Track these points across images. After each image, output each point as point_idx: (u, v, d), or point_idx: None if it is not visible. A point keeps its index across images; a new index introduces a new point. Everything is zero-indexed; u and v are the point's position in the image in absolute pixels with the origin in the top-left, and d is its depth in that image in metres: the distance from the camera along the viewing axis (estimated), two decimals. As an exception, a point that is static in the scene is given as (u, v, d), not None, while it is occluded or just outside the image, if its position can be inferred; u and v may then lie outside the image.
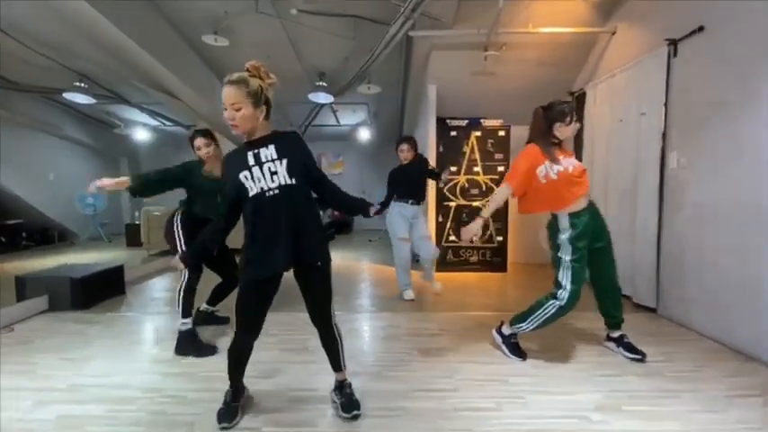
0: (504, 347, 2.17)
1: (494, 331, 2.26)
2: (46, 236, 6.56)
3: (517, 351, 2.14)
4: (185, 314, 2.23)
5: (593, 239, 2.00)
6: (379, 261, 5.22)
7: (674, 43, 2.73)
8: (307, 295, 1.56)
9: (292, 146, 1.47)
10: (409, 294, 3.28)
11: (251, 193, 1.40)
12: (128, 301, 3.36)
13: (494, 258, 4.39)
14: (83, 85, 5.45)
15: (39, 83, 5.52)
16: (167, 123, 7.57)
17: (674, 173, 2.77)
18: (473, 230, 1.99)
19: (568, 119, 1.98)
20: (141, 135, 7.86)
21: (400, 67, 4.73)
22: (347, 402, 1.58)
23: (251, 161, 1.42)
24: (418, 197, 3.30)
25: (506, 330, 2.18)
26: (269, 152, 1.43)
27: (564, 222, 1.97)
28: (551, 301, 1.98)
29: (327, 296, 1.57)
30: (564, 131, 2.00)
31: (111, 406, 1.67)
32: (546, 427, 1.52)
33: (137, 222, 6.56)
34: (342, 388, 1.64)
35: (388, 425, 1.54)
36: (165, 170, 2.26)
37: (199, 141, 2.36)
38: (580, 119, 4.00)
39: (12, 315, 2.77)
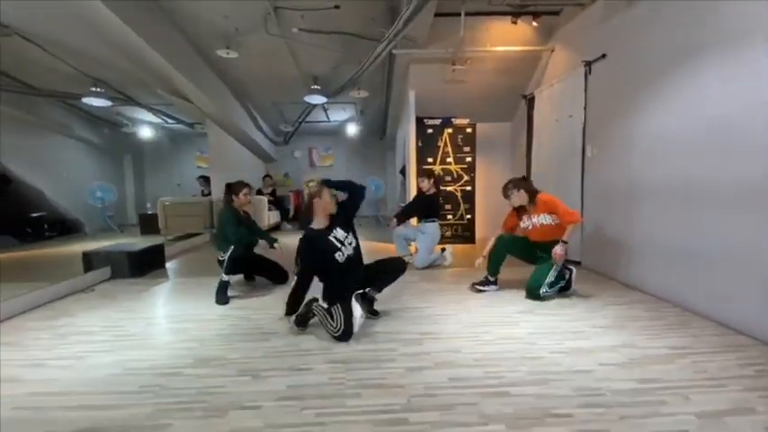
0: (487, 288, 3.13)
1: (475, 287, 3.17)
2: (63, 227, 7.18)
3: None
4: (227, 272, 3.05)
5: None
6: (371, 239, 6.11)
7: (588, 64, 3.68)
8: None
9: (344, 218, 2.42)
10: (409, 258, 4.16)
11: (341, 261, 2.35)
12: (169, 271, 4.15)
13: (464, 233, 5.34)
14: (99, 89, 6.09)
15: (57, 89, 6.13)
16: (170, 121, 8.21)
17: (589, 160, 3.75)
18: (562, 253, 2.83)
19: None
20: (145, 132, 8.45)
21: (384, 76, 5.58)
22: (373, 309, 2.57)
23: (335, 238, 2.34)
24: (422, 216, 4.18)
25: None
26: (340, 231, 2.37)
27: None
28: None
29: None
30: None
31: (199, 324, 2.53)
32: (483, 317, 2.46)
33: (149, 213, 7.26)
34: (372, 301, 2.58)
35: (391, 320, 2.44)
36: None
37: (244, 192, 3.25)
38: (530, 115, 4.96)
39: (85, 282, 3.54)
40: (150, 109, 7.28)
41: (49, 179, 6.90)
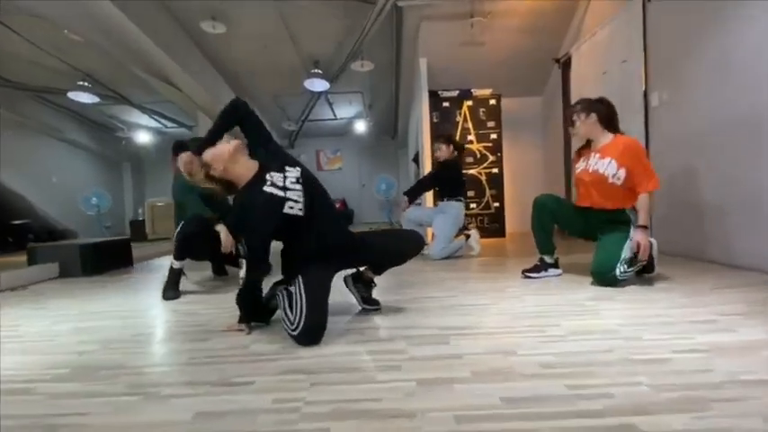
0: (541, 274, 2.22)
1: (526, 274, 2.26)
2: (52, 236, 6.65)
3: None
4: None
5: None
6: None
7: (647, -8, 2.88)
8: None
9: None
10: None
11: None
12: (136, 271, 3.44)
13: (492, 224, 4.47)
14: (86, 84, 5.64)
15: (43, 84, 5.72)
16: (169, 125, 7.76)
17: (654, 109, 2.89)
18: (646, 244, 1.90)
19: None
20: (143, 138, 8.02)
21: (392, 43, 4.90)
22: (370, 297, 1.73)
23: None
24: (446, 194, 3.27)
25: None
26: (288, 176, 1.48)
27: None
28: None
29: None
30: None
31: (124, 321, 1.76)
32: (545, 309, 1.60)
33: (140, 219, 6.69)
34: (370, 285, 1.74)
35: (394, 313, 1.61)
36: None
37: (184, 155, 2.22)
38: (566, 81, 4.15)
39: (22, 278, 2.84)
40: (143, 109, 6.83)
41: (36, 185, 6.45)
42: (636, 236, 1.92)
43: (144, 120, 7.56)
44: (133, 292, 2.50)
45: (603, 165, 2.01)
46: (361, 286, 1.71)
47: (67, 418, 0.92)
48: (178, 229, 2.25)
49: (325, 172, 9.33)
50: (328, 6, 4.24)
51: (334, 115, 7.91)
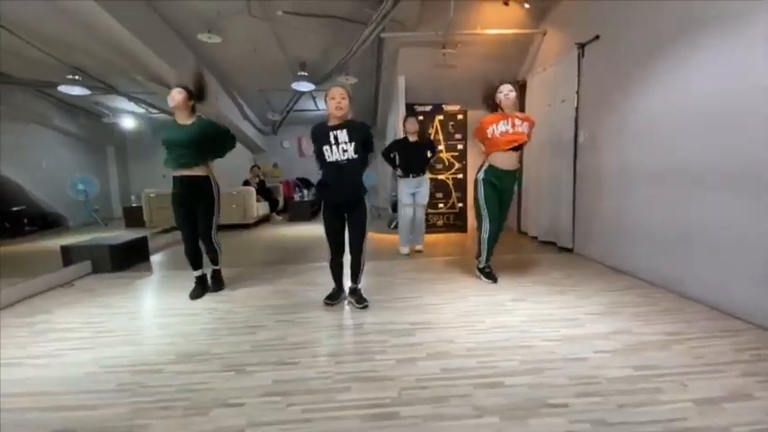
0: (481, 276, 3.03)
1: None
2: (45, 221, 6.95)
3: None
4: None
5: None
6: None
7: (582, 47, 3.60)
8: (349, 225, 2.44)
9: (359, 132, 2.31)
10: (405, 250, 4.03)
11: (328, 160, 2.32)
12: (153, 264, 4.03)
13: (456, 222, 5.29)
14: (77, 77, 5.83)
15: (31, 76, 5.86)
16: (153, 111, 7.95)
17: (581, 145, 3.69)
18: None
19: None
20: (128, 123, 8.20)
21: (373, 61, 5.43)
22: (359, 298, 2.51)
23: (331, 140, 2.29)
24: (418, 170, 3.88)
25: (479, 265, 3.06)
26: (343, 135, 2.28)
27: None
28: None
29: (362, 227, 2.42)
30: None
31: (183, 318, 2.44)
32: (476, 306, 2.41)
33: (134, 205, 7.07)
34: (355, 291, 2.54)
35: (381, 311, 2.37)
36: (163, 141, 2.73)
37: (173, 90, 2.65)
38: (522, 103, 4.88)
39: (64, 276, 3.40)
40: (131, 98, 7.03)
41: (29, 172, 6.66)
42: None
43: (130, 106, 7.73)
44: (174, 290, 3.11)
45: (524, 127, 2.82)
46: (352, 294, 2.51)
47: (197, 386, 1.63)
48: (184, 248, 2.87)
49: (306, 158, 9.82)
50: (317, 24, 4.70)
51: (317, 107, 8.34)
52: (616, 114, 3.21)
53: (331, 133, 2.29)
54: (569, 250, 3.91)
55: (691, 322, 2.13)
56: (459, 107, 5.14)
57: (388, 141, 7.44)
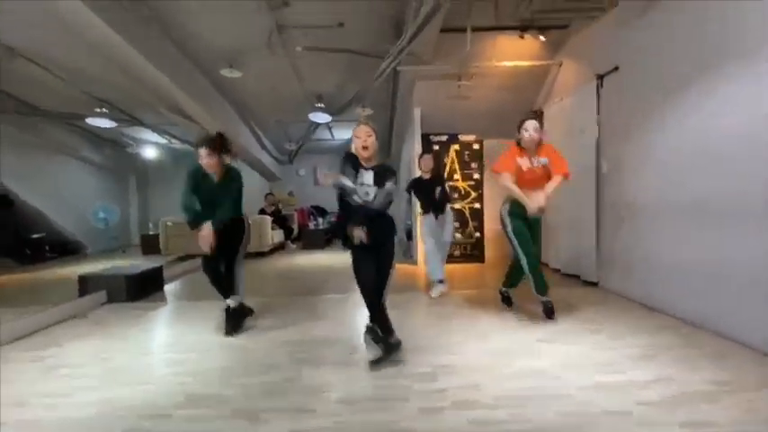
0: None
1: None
2: (65, 248, 7.08)
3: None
4: None
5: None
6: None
7: (600, 78, 3.57)
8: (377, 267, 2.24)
9: (384, 178, 2.19)
10: (435, 293, 3.52)
11: (353, 203, 2.19)
12: (168, 294, 4.00)
13: (473, 252, 5.16)
14: (104, 110, 6.08)
15: (61, 109, 6.13)
16: (175, 141, 8.20)
17: (603, 176, 3.59)
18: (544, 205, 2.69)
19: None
20: (150, 153, 8.45)
21: (389, 92, 5.52)
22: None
23: (359, 180, 2.18)
24: (437, 209, 3.62)
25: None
26: (369, 178, 2.18)
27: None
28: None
29: (388, 267, 2.26)
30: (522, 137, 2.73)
31: (195, 354, 2.35)
32: (501, 346, 2.27)
33: (151, 233, 7.16)
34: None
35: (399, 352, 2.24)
36: (185, 191, 2.71)
37: (201, 151, 2.61)
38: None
39: (79, 307, 3.38)
40: (155, 129, 7.28)
41: (51, 200, 6.85)
42: (542, 197, 2.69)
43: (153, 136, 7.99)
44: (188, 323, 3.04)
45: (544, 161, 2.74)
46: (380, 340, 2.17)
47: (208, 434, 1.53)
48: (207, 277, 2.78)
49: (321, 187, 9.91)
50: (335, 58, 4.82)
51: (333, 137, 8.48)
52: (639, 145, 3.13)
53: (361, 171, 2.19)
54: (594, 284, 3.73)
55: (740, 369, 1.94)
56: (474, 137, 5.13)
57: (402, 172, 7.50)
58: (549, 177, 2.75)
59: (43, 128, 6.52)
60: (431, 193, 3.66)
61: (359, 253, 2.23)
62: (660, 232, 2.92)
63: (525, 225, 2.79)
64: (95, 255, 7.44)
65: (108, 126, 6.24)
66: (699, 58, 2.52)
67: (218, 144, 2.69)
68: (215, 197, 2.71)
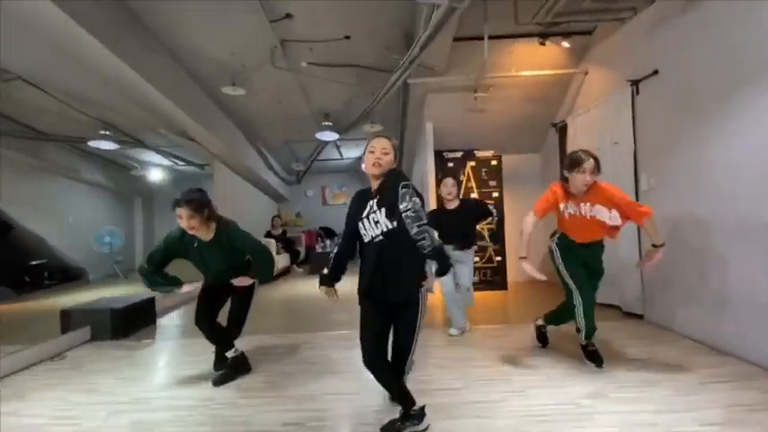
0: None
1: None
2: (66, 275, 6.84)
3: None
4: None
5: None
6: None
7: (635, 84, 3.19)
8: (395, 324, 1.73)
9: (389, 191, 1.60)
10: (454, 331, 3.07)
11: (365, 240, 1.69)
12: (159, 329, 3.64)
13: (494, 277, 4.70)
14: (107, 132, 5.92)
15: (63, 132, 6.00)
16: (180, 163, 8.04)
17: (645, 192, 3.16)
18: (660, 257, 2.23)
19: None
20: (155, 175, 8.30)
21: (399, 107, 5.23)
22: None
23: (365, 211, 1.66)
24: (458, 243, 3.04)
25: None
26: (373, 203, 1.65)
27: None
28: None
29: (413, 330, 1.71)
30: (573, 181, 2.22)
31: (175, 413, 1.96)
32: (542, 406, 1.82)
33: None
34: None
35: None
36: (152, 253, 2.32)
37: (181, 212, 2.14)
38: (562, 144, 4.45)
39: (59, 346, 3.05)
40: (159, 151, 7.12)
41: (52, 225, 6.66)
42: (658, 254, 2.23)
43: (157, 158, 7.84)
44: (171, 368, 2.68)
45: (599, 211, 2.18)
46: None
47: None
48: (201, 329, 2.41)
49: (329, 206, 9.61)
50: (342, 73, 4.57)
51: (341, 156, 8.22)
52: (686, 158, 2.72)
53: (368, 203, 1.67)
54: (638, 316, 3.25)
55: None
56: (492, 152, 4.76)
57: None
58: (602, 226, 2.26)
59: (44, 150, 6.39)
60: (456, 224, 3.05)
61: (366, 309, 1.71)
62: (724, 258, 2.46)
63: (578, 257, 2.36)
64: (97, 281, 7.19)
65: (109, 148, 6.06)
66: (757, 56, 2.12)
67: (200, 202, 2.20)
68: (206, 259, 2.32)
